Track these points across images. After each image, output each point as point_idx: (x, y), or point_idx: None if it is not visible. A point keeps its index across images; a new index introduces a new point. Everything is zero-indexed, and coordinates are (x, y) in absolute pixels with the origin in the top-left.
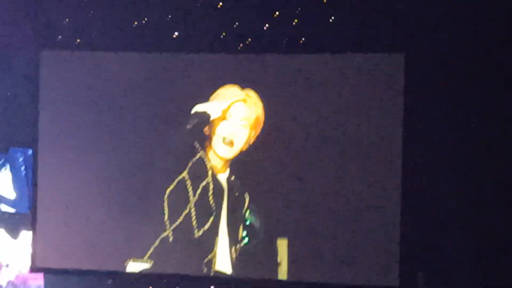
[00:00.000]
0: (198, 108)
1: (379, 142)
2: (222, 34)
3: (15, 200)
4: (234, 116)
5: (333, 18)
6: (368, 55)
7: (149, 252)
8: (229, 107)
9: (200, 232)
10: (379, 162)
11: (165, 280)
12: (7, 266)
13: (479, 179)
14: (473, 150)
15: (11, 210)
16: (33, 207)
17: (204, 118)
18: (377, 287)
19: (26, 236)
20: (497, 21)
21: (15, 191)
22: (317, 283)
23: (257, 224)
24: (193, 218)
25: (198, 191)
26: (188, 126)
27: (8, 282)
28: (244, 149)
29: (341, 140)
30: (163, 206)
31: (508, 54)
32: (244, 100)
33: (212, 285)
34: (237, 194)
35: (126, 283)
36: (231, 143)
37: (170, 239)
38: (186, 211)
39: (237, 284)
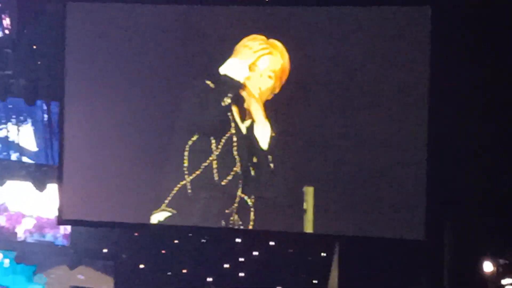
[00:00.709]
0: (226, 70)
1: (405, 94)
2: None
3: (36, 152)
4: (260, 68)
5: None
6: (394, 8)
7: (167, 201)
8: (255, 60)
9: (223, 182)
10: (405, 114)
11: (190, 234)
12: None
13: (507, 132)
14: (498, 103)
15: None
16: (59, 160)
17: (235, 84)
18: (403, 240)
19: (52, 188)
20: None
21: (36, 144)
22: (343, 236)
23: None
24: (215, 170)
25: (221, 144)
26: (224, 104)
27: (25, 231)
28: (268, 99)
29: (368, 92)
30: (183, 157)
31: None
32: (270, 53)
33: (237, 237)
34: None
35: (153, 236)
36: None
37: (189, 190)
38: (207, 162)
39: (260, 236)
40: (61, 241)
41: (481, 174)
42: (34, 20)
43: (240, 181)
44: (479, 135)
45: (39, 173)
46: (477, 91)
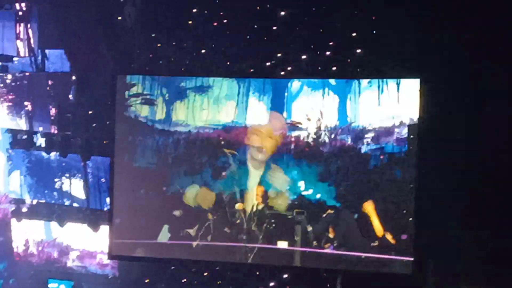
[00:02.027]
0: None
1: None
2: None
3: (84, 200)
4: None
5: None
6: None
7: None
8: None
9: None
10: None
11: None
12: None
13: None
14: None
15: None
16: (111, 205)
17: None
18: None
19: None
20: None
21: (85, 193)
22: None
23: None
24: None
25: None
26: None
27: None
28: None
29: None
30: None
31: None
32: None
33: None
34: None
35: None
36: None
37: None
38: None
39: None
40: (111, 272)
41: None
42: (89, 89)
43: None
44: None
45: (94, 216)
46: None
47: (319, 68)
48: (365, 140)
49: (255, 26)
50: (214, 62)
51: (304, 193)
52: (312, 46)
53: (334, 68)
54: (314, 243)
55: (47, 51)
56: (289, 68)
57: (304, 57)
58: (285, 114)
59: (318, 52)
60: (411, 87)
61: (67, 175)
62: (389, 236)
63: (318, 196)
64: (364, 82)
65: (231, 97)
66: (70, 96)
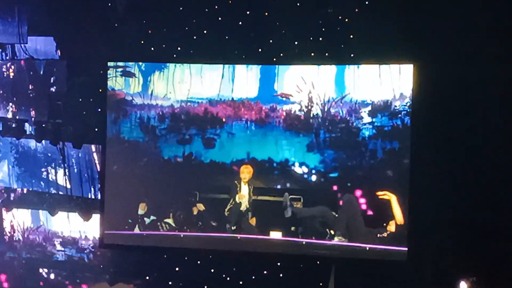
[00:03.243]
0: None
1: None
2: None
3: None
4: None
5: None
6: None
7: None
8: None
9: None
10: None
11: (210, 256)
12: None
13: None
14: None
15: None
16: (102, 194)
17: None
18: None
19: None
20: None
21: (69, 182)
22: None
23: None
24: None
25: None
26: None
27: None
28: None
29: None
30: None
31: None
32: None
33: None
34: None
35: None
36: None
37: None
38: None
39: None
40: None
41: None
42: (80, 76)
43: None
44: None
45: (85, 205)
46: None
47: (312, 54)
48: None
49: (248, 13)
50: (206, 48)
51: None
52: (304, 32)
53: (326, 54)
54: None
55: (37, 38)
56: (281, 54)
57: (296, 43)
58: (276, 85)
59: (311, 38)
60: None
61: (52, 164)
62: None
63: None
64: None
65: (216, 67)
66: (61, 84)
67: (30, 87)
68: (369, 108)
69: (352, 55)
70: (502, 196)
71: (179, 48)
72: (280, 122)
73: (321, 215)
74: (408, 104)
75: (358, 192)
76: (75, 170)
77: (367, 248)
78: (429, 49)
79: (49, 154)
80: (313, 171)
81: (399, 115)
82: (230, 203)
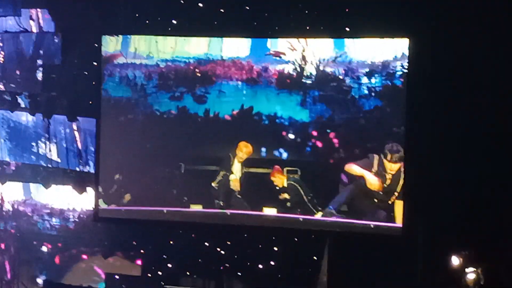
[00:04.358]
0: None
1: None
2: None
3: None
4: None
5: None
6: None
7: None
8: None
9: None
10: None
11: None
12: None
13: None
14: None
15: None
16: (96, 167)
17: None
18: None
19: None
20: None
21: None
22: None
23: None
24: None
25: None
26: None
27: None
28: None
29: None
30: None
31: None
32: None
33: None
34: None
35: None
36: None
37: None
38: None
39: None
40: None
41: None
42: (74, 49)
43: None
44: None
45: (79, 178)
46: None
47: (307, 27)
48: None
49: None
50: (201, 21)
51: None
52: (300, 5)
53: (322, 28)
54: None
55: (31, 10)
56: (276, 28)
57: (291, 16)
58: (269, 43)
59: (306, 12)
60: None
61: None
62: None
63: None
64: None
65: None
66: (55, 56)
67: (24, 60)
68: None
69: (347, 29)
70: (499, 170)
71: (174, 22)
72: (272, 82)
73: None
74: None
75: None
76: (64, 145)
77: (362, 224)
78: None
79: (39, 130)
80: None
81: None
82: (219, 175)
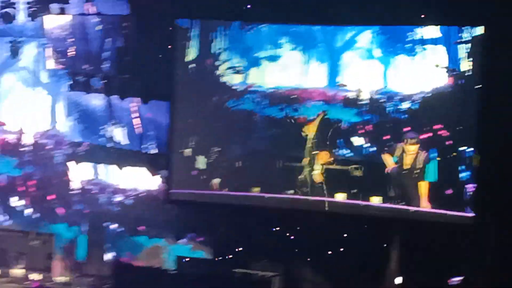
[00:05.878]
0: None
1: None
2: None
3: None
4: None
5: None
6: None
7: None
8: None
9: None
10: None
11: None
12: None
13: None
14: None
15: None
16: (169, 149)
17: None
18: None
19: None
20: None
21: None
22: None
23: None
24: None
25: None
26: None
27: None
28: None
29: None
30: None
31: None
32: None
33: None
34: None
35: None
36: None
37: None
38: None
39: None
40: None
41: None
42: (148, 32)
43: None
44: None
45: (153, 160)
46: None
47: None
48: None
49: None
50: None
51: None
52: None
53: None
54: None
55: None
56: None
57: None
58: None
59: None
60: None
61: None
62: None
63: None
64: None
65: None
66: (130, 39)
67: (99, 43)
68: None
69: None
70: None
71: (248, 6)
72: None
73: None
74: None
75: None
76: (135, 127)
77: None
78: None
79: (110, 112)
80: None
81: None
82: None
